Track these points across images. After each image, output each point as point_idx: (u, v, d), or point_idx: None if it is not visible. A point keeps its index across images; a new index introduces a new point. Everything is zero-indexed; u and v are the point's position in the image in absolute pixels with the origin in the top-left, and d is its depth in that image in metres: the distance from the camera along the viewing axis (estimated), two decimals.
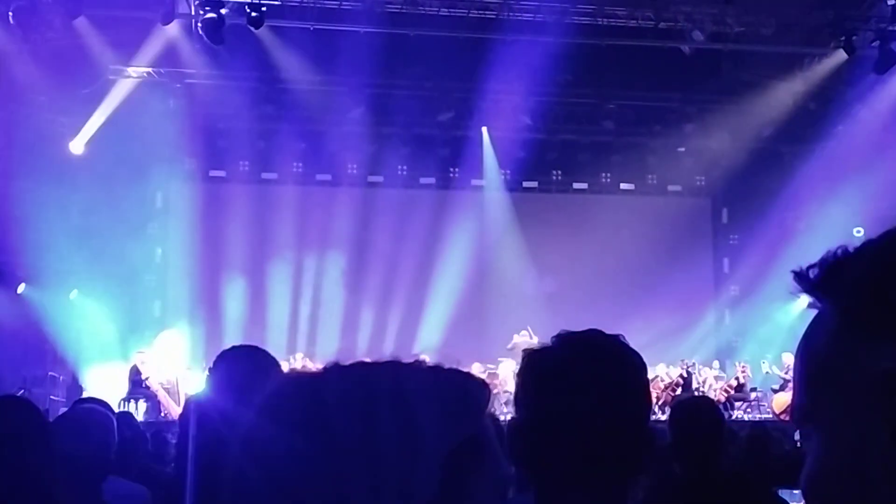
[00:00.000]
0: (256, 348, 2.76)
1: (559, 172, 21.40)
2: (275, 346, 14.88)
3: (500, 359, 17.22)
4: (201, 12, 16.34)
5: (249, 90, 19.12)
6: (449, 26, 17.56)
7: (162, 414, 15.37)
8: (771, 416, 16.63)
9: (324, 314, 19.53)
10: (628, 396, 1.69)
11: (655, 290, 19.16)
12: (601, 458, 1.64)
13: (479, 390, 1.10)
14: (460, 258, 19.49)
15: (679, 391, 16.77)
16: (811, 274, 0.87)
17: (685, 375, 17.76)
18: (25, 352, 16.45)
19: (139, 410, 14.87)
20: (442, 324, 18.85)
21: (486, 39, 17.40)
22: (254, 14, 16.78)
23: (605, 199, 21.35)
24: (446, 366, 1.10)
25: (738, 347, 20.46)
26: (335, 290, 19.83)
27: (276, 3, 17.25)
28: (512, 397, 1.92)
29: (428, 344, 17.84)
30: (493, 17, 17.56)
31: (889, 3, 17.28)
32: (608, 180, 21.49)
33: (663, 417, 7.03)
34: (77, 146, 18.41)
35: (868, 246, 0.84)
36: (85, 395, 12.48)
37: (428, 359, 1.11)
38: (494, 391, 15.73)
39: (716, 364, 19.49)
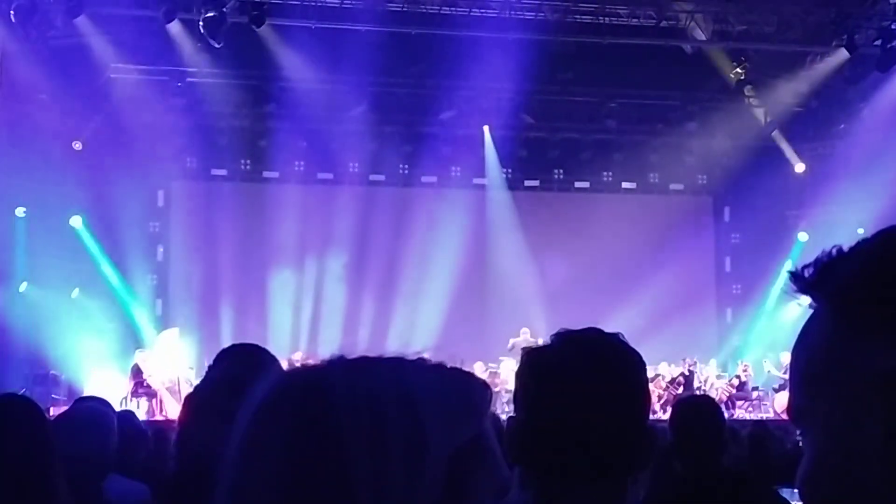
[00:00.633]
0: (257, 347, 2.75)
1: (561, 171, 21.39)
2: (276, 344, 14.90)
3: (501, 358, 17.23)
4: (203, 10, 16.35)
5: (251, 88, 19.12)
6: (450, 25, 17.56)
7: (163, 413, 15.37)
8: (772, 414, 16.64)
9: (325, 313, 19.52)
10: (627, 395, 1.69)
11: (657, 288, 19.15)
12: (600, 456, 1.64)
13: (482, 391, 1.10)
14: (461, 257, 19.48)
15: (681, 390, 16.76)
16: (806, 273, 0.87)
17: (687, 374, 17.77)
18: (27, 350, 16.45)
19: (140, 409, 14.89)
20: (443, 323, 18.85)
21: (487, 38, 17.39)
22: (255, 12, 16.79)
23: (606, 197, 21.34)
24: (449, 364, 1.09)
25: (740, 346, 20.45)
26: (336, 288, 19.83)
27: (277, 1, 17.26)
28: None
29: (430, 342, 17.83)
30: (495, 15, 17.56)
31: (891, 1, 17.26)
32: (610, 179, 21.48)
33: (665, 416, 7.04)
34: (78, 144, 18.41)
35: (861, 245, 0.84)
36: (86, 393, 12.47)
37: (429, 357, 1.09)
38: (496, 390, 15.73)
39: (714, 362, 19.49)
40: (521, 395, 1.73)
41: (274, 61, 18.13)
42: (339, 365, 1.05)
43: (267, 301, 19.63)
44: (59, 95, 17.61)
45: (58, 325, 16.75)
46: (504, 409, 14.33)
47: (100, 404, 4.32)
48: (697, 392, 16.16)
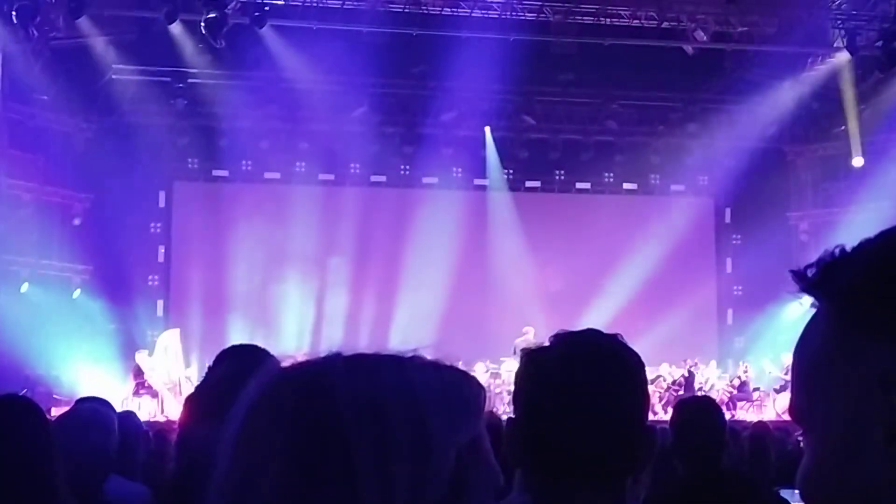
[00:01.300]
0: (258, 347, 2.75)
1: (562, 172, 21.39)
2: (276, 344, 14.83)
3: (502, 358, 17.23)
4: (204, 11, 16.35)
5: (252, 89, 19.13)
6: (451, 26, 17.57)
7: (164, 413, 15.38)
8: (773, 415, 16.63)
9: (326, 313, 19.53)
10: (626, 395, 1.68)
11: (658, 289, 19.16)
12: (599, 457, 1.64)
13: (479, 391, 1.08)
14: (462, 258, 19.47)
15: (682, 391, 16.77)
16: (809, 273, 0.87)
17: (688, 375, 17.77)
18: (28, 351, 16.45)
19: (141, 409, 14.87)
20: (444, 323, 18.84)
21: (488, 39, 17.39)
22: (256, 13, 16.80)
23: (607, 198, 21.35)
24: (446, 363, 1.07)
25: (741, 347, 20.45)
26: (337, 289, 19.82)
27: (279, 2, 17.27)
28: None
29: (429, 343, 17.79)
30: (496, 16, 17.57)
31: (892, 2, 17.26)
32: (611, 180, 21.49)
33: (665, 417, 7.03)
34: (81, 145, 18.42)
35: (863, 246, 0.84)
36: (87, 394, 12.47)
37: (425, 354, 1.07)
38: (498, 391, 15.74)
39: (715, 363, 19.48)
40: (521, 395, 1.73)
41: (275, 62, 18.13)
42: (338, 361, 1.02)
43: (268, 301, 19.64)
44: (61, 96, 17.62)
45: (59, 325, 16.77)
46: (506, 409, 14.32)
47: (100, 405, 4.31)
48: (698, 393, 16.15)
